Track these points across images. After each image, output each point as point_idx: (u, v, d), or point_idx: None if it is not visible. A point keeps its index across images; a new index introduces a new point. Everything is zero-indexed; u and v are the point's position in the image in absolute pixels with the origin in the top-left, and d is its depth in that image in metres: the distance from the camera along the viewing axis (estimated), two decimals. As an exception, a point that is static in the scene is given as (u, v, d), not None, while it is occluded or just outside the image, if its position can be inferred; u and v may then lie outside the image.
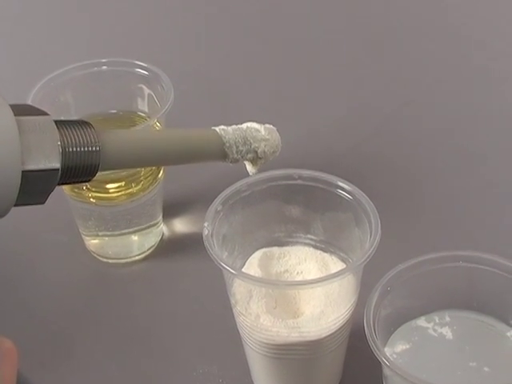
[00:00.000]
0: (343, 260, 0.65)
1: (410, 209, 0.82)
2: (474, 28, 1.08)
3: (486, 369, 0.57)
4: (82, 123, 0.45)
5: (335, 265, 0.65)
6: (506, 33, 1.07)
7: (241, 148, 0.53)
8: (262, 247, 0.66)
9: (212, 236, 0.61)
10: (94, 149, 0.44)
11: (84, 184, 0.71)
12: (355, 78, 1.01)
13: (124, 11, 1.14)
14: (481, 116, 0.94)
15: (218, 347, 0.70)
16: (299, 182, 0.64)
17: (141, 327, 0.73)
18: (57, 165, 0.42)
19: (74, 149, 0.43)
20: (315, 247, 0.67)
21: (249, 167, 0.58)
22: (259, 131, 0.56)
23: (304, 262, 0.66)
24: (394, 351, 0.58)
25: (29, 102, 0.73)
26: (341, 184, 0.64)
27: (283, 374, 0.64)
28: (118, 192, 0.74)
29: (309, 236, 0.67)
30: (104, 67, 0.78)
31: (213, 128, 0.53)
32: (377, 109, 0.95)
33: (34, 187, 0.41)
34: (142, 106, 0.78)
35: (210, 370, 0.68)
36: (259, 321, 0.61)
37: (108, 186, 0.74)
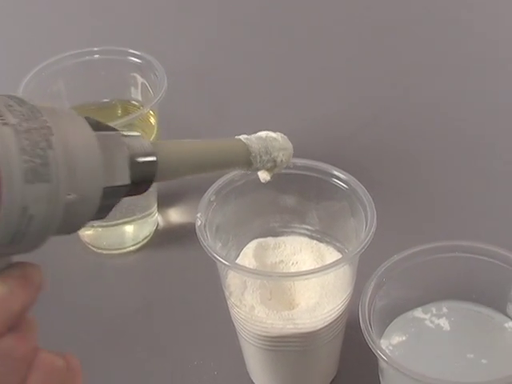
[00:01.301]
0: (339, 250, 0.64)
1: (406, 199, 0.81)
2: (474, 16, 1.07)
3: (483, 361, 0.56)
4: (135, 135, 0.44)
5: (331, 255, 0.64)
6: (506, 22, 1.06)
7: (264, 157, 0.54)
8: (256, 237, 0.66)
9: (205, 227, 0.60)
10: (152, 159, 0.44)
11: None
12: (353, 68, 1.00)
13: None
14: (479, 105, 0.93)
15: (212, 339, 0.69)
16: (293, 171, 0.63)
17: (135, 318, 0.72)
18: (128, 180, 0.42)
19: (139, 161, 0.43)
20: (311, 237, 0.66)
21: (263, 175, 0.57)
22: (277, 140, 0.55)
23: (299, 252, 0.65)
24: (390, 343, 0.57)
25: (20, 92, 0.72)
26: (336, 173, 0.63)
27: (278, 365, 0.63)
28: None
29: (304, 226, 0.66)
30: (96, 56, 0.77)
31: (238, 137, 0.53)
32: (374, 99, 0.94)
33: (105, 204, 0.41)
34: (136, 94, 0.77)
35: (204, 362, 0.68)
36: (254, 312, 0.60)
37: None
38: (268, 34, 1.06)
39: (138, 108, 0.77)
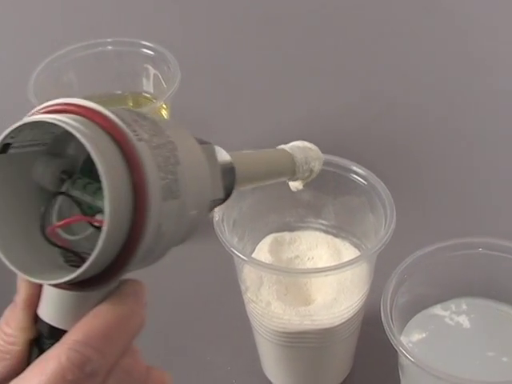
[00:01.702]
0: (355, 245, 0.64)
1: (424, 195, 0.81)
2: (473, 11, 1.06)
3: (504, 359, 0.55)
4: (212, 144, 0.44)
5: (347, 250, 0.64)
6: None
7: (304, 167, 0.53)
8: (272, 232, 0.65)
9: (223, 221, 0.59)
10: (233, 169, 0.44)
11: None
12: (361, 64, 0.99)
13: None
14: (496, 99, 0.92)
15: (226, 334, 0.69)
16: (311, 165, 0.62)
17: (147, 312, 0.71)
18: (223, 193, 0.43)
19: (226, 171, 0.43)
20: (326, 232, 0.65)
21: (295, 184, 0.57)
22: (312, 150, 0.55)
23: (315, 247, 0.65)
24: (409, 340, 0.57)
25: (32, 82, 0.71)
26: (355, 168, 0.62)
27: (294, 361, 0.63)
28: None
29: (320, 221, 0.66)
30: (109, 47, 0.76)
31: (282, 147, 0.53)
32: (386, 94, 0.94)
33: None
34: (148, 86, 0.77)
35: (218, 357, 0.67)
36: (270, 308, 0.60)
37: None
38: (281, 26, 1.05)
39: (150, 100, 0.76)
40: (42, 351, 0.37)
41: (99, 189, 0.34)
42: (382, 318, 0.53)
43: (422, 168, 0.83)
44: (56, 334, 0.37)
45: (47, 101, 0.73)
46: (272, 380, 0.66)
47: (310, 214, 0.66)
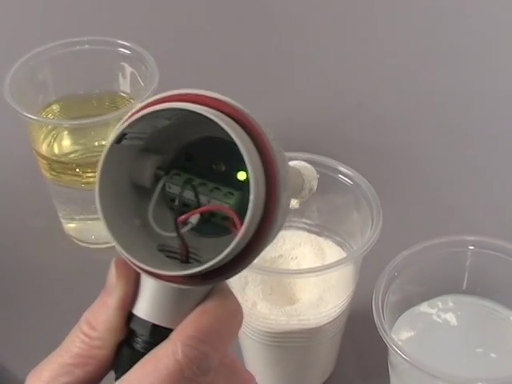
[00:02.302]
0: (339, 244, 0.64)
1: (407, 194, 0.81)
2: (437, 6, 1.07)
3: (492, 355, 0.56)
4: None
5: (331, 249, 0.64)
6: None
7: (307, 185, 0.53)
8: (255, 232, 0.65)
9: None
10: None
11: (81, 170, 0.72)
12: (338, 56, 0.99)
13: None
14: (480, 96, 0.93)
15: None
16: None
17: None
18: None
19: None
20: (309, 231, 0.65)
21: (293, 203, 0.57)
22: (312, 170, 0.55)
23: (299, 246, 0.65)
24: (399, 338, 0.57)
25: (7, 81, 0.70)
26: (340, 168, 0.62)
27: (280, 361, 0.63)
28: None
29: (303, 220, 0.66)
30: (85, 46, 0.75)
31: (292, 165, 0.53)
32: (361, 88, 0.94)
33: None
34: (124, 86, 0.76)
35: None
36: (256, 308, 0.60)
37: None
38: (256, 25, 1.05)
39: (126, 99, 0.76)
40: (135, 352, 0.37)
41: (217, 188, 0.36)
42: (374, 315, 0.53)
43: (407, 166, 0.84)
44: (158, 333, 0.37)
45: (23, 100, 0.72)
46: (257, 379, 0.65)
47: (293, 213, 0.65)
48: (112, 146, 0.35)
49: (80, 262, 0.76)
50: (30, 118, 0.69)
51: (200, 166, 0.37)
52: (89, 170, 0.72)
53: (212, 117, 0.34)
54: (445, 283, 0.59)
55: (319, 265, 0.62)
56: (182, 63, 0.96)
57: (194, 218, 0.36)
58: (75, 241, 0.77)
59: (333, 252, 0.64)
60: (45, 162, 0.73)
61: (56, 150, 0.73)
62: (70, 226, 0.77)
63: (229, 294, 0.38)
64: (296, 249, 0.65)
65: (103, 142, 0.73)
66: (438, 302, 0.59)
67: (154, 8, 1.08)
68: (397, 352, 0.51)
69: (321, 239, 0.65)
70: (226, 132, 0.34)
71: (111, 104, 0.76)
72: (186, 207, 0.37)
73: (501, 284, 0.59)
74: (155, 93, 0.71)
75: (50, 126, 0.73)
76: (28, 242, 0.77)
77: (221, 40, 1.02)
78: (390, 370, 0.57)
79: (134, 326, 0.38)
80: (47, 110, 0.75)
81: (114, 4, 1.07)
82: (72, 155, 0.74)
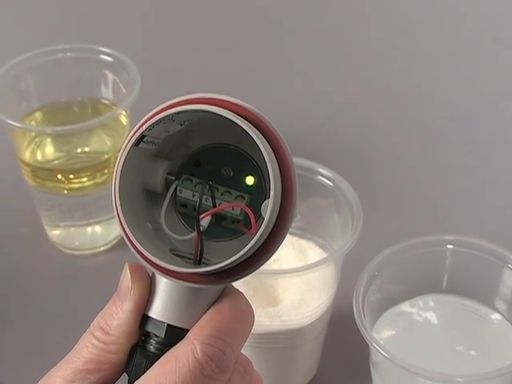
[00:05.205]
0: (321, 246, 0.65)
1: (385, 194, 0.82)
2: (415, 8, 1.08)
3: (473, 352, 0.57)
4: None
5: (312, 251, 0.65)
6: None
7: None
8: (237, 235, 0.65)
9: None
10: None
11: (64, 177, 0.73)
12: (310, 65, 1.00)
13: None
14: (459, 97, 0.94)
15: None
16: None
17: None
18: None
19: None
20: (291, 233, 0.66)
21: None
22: None
23: (280, 248, 0.65)
24: (380, 337, 0.57)
25: None
26: (320, 170, 0.63)
27: (264, 363, 0.63)
28: (90, 181, 0.73)
29: (284, 222, 0.66)
30: (67, 54, 0.76)
31: None
32: (336, 96, 0.95)
33: None
34: (106, 93, 0.76)
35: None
36: (239, 310, 0.60)
37: (83, 176, 0.73)
38: (237, 30, 1.06)
39: (109, 107, 0.76)
40: (149, 354, 0.37)
41: (227, 192, 0.37)
42: (355, 315, 0.54)
43: (384, 168, 0.85)
44: (173, 334, 0.37)
45: (6, 108, 0.72)
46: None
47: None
48: (132, 147, 0.36)
49: (64, 268, 0.76)
50: (13, 125, 0.69)
51: (208, 172, 0.38)
52: (72, 177, 0.73)
53: (239, 122, 0.35)
54: (425, 282, 0.60)
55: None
56: (164, 70, 0.97)
57: (205, 221, 0.37)
58: (59, 247, 0.77)
59: (314, 254, 0.64)
60: (28, 169, 0.73)
61: (39, 157, 0.74)
62: (54, 233, 0.77)
63: (240, 294, 0.39)
64: (278, 251, 0.65)
65: (86, 149, 0.74)
66: (419, 301, 0.60)
67: (136, 15, 1.09)
68: (377, 350, 0.52)
69: (302, 241, 0.65)
70: (240, 136, 0.35)
71: (94, 111, 0.76)
72: (195, 211, 0.37)
73: (480, 282, 0.59)
74: (137, 100, 0.71)
75: (33, 133, 0.73)
76: (12, 249, 0.78)
77: (202, 47, 1.03)
78: (371, 370, 0.57)
79: (148, 327, 0.38)
80: (30, 117, 0.75)
81: (96, 11, 1.08)
82: (55, 162, 0.74)
